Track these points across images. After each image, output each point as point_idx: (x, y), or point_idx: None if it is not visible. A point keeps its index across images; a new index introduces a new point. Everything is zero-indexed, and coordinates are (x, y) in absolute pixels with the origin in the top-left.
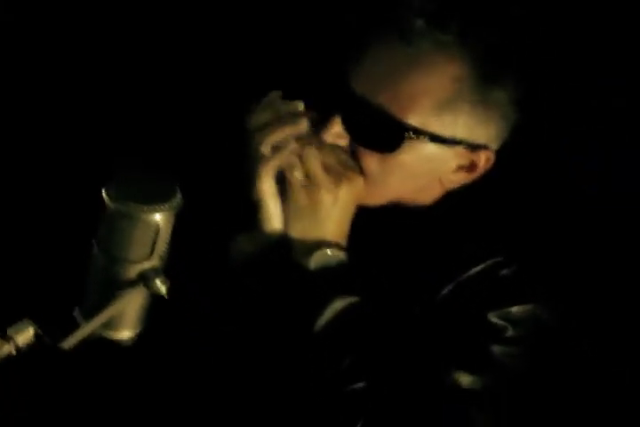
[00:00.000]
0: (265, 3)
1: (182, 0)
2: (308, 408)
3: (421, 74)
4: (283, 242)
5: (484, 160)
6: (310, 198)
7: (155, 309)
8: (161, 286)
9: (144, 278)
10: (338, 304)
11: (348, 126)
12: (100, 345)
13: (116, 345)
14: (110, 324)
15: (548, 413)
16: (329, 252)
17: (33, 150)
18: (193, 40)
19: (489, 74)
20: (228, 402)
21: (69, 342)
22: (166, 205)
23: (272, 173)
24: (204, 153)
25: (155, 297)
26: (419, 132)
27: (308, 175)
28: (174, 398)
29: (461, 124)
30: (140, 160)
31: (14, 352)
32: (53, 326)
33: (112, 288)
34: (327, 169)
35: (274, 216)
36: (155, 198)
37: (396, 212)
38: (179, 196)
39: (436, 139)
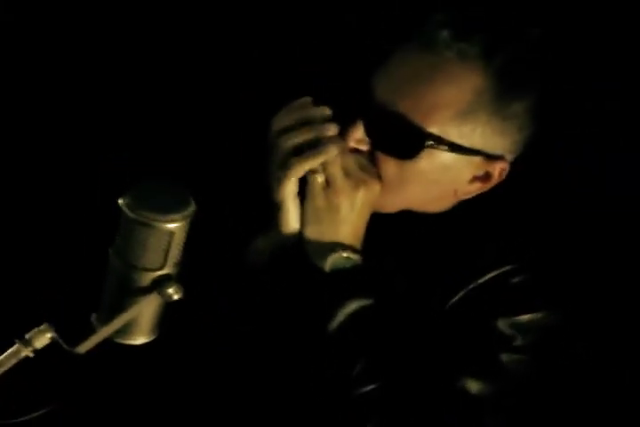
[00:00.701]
0: (291, 11)
1: (199, 8)
2: (319, 409)
3: (444, 84)
4: (300, 244)
5: (498, 171)
6: (329, 202)
7: (172, 310)
8: (174, 294)
9: (158, 286)
10: (351, 307)
11: (370, 132)
12: (116, 349)
13: (132, 348)
14: (125, 330)
15: (556, 420)
16: (344, 254)
17: (50, 159)
18: (214, 48)
19: (509, 87)
20: (242, 402)
21: (84, 347)
22: (180, 215)
23: (297, 177)
24: (222, 155)
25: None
26: (438, 141)
27: (327, 179)
28: (188, 398)
29: (479, 135)
30: (157, 168)
31: (32, 355)
32: (71, 331)
33: (127, 295)
34: (347, 174)
35: (293, 218)
36: (169, 208)
37: (410, 217)
38: (193, 205)
39: (454, 148)
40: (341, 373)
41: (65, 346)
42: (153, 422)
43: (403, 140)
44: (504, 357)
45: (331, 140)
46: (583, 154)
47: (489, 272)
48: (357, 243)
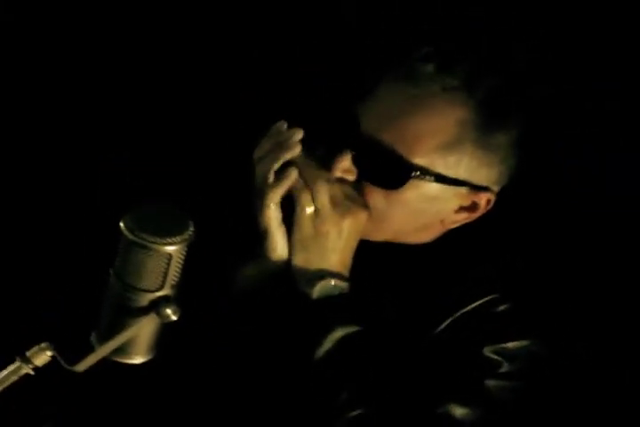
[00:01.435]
0: (291, 11)
1: (199, 8)
2: None
3: (428, 115)
4: (287, 271)
5: (485, 201)
6: (316, 230)
7: (168, 331)
8: (172, 315)
9: (156, 307)
10: (338, 334)
11: (357, 162)
12: (114, 367)
13: (129, 366)
14: (123, 349)
15: None
16: (332, 282)
17: (52, 166)
18: (214, 48)
19: (492, 118)
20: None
21: (83, 365)
22: (179, 238)
23: (276, 201)
24: (213, 185)
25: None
26: (424, 172)
27: (315, 207)
28: (181, 417)
29: (464, 166)
30: (156, 195)
31: (32, 372)
32: (71, 349)
33: (125, 315)
34: (334, 202)
35: (279, 245)
36: (168, 230)
37: (397, 246)
38: (192, 229)
39: (440, 179)
40: (327, 399)
41: (64, 364)
42: None
43: (389, 170)
44: (489, 383)
45: (292, 163)
46: (583, 154)
47: (474, 301)
48: (345, 271)
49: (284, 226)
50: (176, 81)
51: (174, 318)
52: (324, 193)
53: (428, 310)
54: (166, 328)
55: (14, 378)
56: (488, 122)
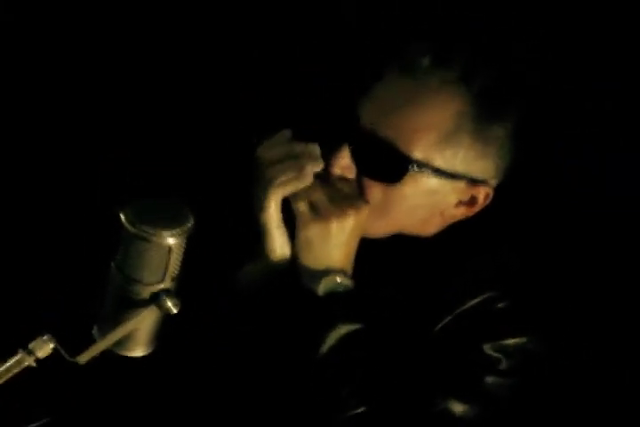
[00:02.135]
0: (291, 11)
1: (199, 8)
2: None
3: (425, 109)
4: (289, 269)
5: (483, 196)
6: (320, 228)
7: (169, 324)
8: (172, 307)
9: (156, 299)
10: (342, 331)
11: (355, 158)
12: (115, 359)
13: (127, 360)
14: (124, 342)
15: None
16: (337, 279)
17: (52, 165)
18: (214, 48)
19: (489, 111)
20: (234, 417)
21: (85, 357)
22: (179, 230)
23: (278, 201)
24: (212, 184)
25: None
26: (422, 165)
27: (314, 206)
28: (180, 411)
29: (462, 159)
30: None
31: (34, 364)
32: (73, 341)
33: (126, 308)
34: (333, 200)
35: (278, 245)
36: (168, 223)
37: (397, 243)
38: (191, 221)
39: (438, 172)
40: (330, 395)
41: (66, 356)
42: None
43: (387, 165)
44: (489, 379)
45: (308, 169)
46: (583, 154)
47: (474, 298)
48: (349, 267)
49: (283, 225)
50: (176, 80)
51: (175, 310)
52: (317, 190)
53: (428, 306)
54: (168, 325)
55: (17, 370)
56: (485, 114)
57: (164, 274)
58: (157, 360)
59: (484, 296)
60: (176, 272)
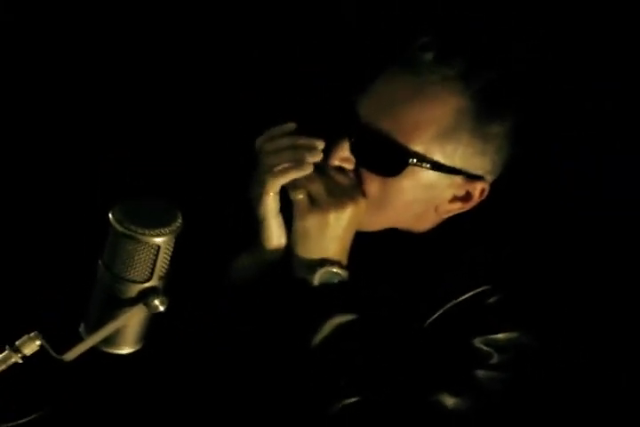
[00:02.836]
0: (291, 11)
1: (199, 8)
2: (303, 419)
3: (426, 104)
4: (284, 259)
5: (479, 191)
6: (317, 219)
7: (157, 322)
8: (160, 306)
9: (144, 297)
10: (336, 321)
11: (355, 151)
12: (103, 356)
13: (116, 357)
14: (111, 339)
15: None
16: (332, 269)
17: (47, 164)
18: (214, 48)
19: (488, 108)
20: (229, 410)
21: (71, 355)
22: (167, 229)
23: (276, 191)
24: (207, 177)
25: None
26: (421, 159)
27: (312, 197)
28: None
29: (460, 155)
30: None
31: (20, 361)
32: (60, 339)
33: (114, 306)
34: (331, 191)
35: (275, 235)
36: (156, 222)
37: (393, 237)
38: (179, 220)
39: (436, 167)
40: (324, 385)
41: (53, 353)
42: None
43: (387, 158)
44: (480, 373)
45: (308, 158)
46: (580, 156)
47: (466, 292)
48: (344, 259)
49: (280, 216)
50: (175, 80)
51: (162, 308)
52: (316, 181)
53: (422, 299)
54: (161, 318)
55: (3, 367)
56: (485, 111)
57: (152, 273)
58: (150, 352)
59: (477, 290)
60: (164, 271)
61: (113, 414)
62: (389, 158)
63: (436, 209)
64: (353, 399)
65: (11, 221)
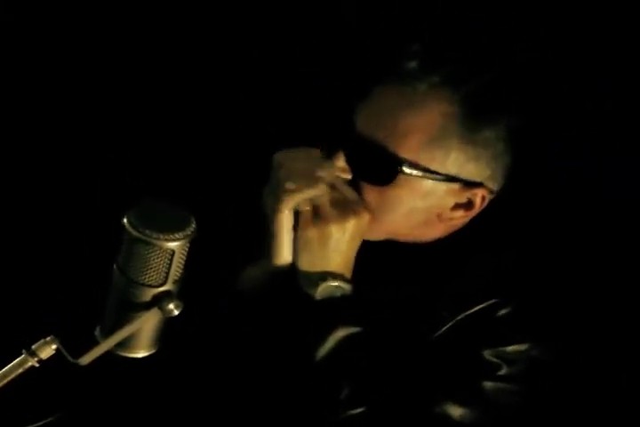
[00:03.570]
0: (291, 11)
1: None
2: None
3: (414, 111)
4: (291, 272)
5: (480, 198)
6: (320, 231)
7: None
8: (174, 310)
9: (159, 302)
10: (340, 334)
11: (350, 161)
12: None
13: (130, 360)
14: (126, 343)
15: None
16: (335, 283)
17: (56, 168)
18: (214, 48)
19: (478, 113)
20: (234, 419)
21: (87, 359)
22: (181, 234)
23: (291, 208)
24: (216, 185)
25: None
26: (412, 166)
27: (316, 209)
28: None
29: (452, 161)
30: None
31: (37, 365)
32: (76, 343)
33: (128, 310)
34: (335, 204)
35: (286, 249)
36: (171, 227)
37: (401, 248)
38: (194, 225)
39: (430, 174)
40: (328, 397)
41: (69, 357)
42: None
43: (379, 166)
44: (488, 385)
45: (325, 177)
46: (580, 156)
47: (476, 304)
48: (348, 272)
49: (292, 232)
50: (177, 81)
51: (176, 312)
52: (328, 194)
53: (428, 310)
54: (169, 327)
55: (20, 371)
56: (473, 116)
57: (167, 277)
58: (159, 362)
59: (487, 303)
60: (179, 275)
61: (118, 416)
62: (381, 167)
63: (439, 217)
64: (358, 410)
65: (28, 224)
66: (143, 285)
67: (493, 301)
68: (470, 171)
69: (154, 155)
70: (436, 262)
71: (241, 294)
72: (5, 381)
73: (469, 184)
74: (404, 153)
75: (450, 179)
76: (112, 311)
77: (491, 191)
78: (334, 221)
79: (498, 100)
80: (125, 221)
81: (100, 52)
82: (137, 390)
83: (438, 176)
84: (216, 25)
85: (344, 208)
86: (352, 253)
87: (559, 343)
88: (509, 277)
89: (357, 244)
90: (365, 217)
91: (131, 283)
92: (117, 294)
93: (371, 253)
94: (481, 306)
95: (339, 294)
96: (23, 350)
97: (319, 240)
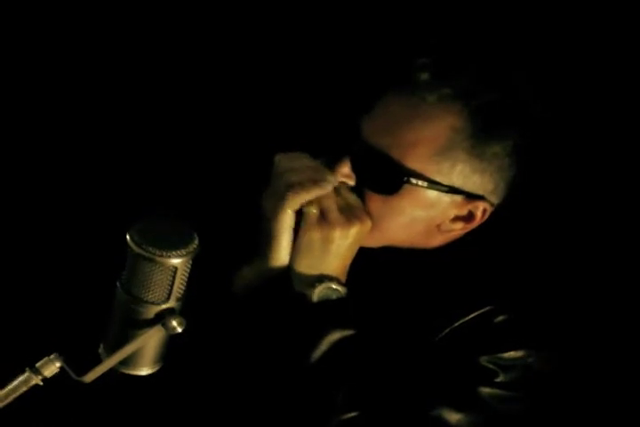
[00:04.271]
0: (291, 12)
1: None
2: None
3: (422, 123)
4: (287, 274)
5: (481, 211)
6: (323, 234)
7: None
8: (177, 327)
9: (162, 319)
10: (334, 337)
11: (355, 169)
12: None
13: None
14: (130, 361)
15: None
16: (332, 286)
17: (58, 188)
18: (214, 49)
19: (487, 127)
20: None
21: (91, 376)
22: (184, 251)
23: (295, 209)
24: (214, 187)
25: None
26: (418, 177)
27: (322, 212)
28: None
29: (458, 173)
30: (163, 204)
31: (41, 383)
32: (80, 361)
33: (132, 327)
34: (342, 209)
35: (284, 251)
36: (173, 244)
37: (398, 254)
38: (196, 242)
39: (434, 185)
40: (323, 400)
41: (73, 375)
42: None
43: (384, 176)
44: (484, 391)
45: (329, 178)
46: (579, 156)
47: (473, 311)
48: (343, 276)
49: (292, 233)
50: (179, 86)
51: (179, 329)
52: (330, 198)
53: (426, 317)
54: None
55: (24, 389)
56: (482, 130)
57: (170, 294)
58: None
59: (484, 309)
60: (181, 292)
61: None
62: (387, 177)
63: (439, 228)
64: (352, 414)
65: (31, 240)
66: (146, 302)
67: (490, 307)
68: (474, 184)
69: (154, 159)
70: (433, 268)
71: (235, 296)
72: (10, 399)
73: (472, 197)
74: (411, 163)
75: (454, 191)
76: (115, 329)
77: (492, 204)
78: (339, 226)
79: (508, 117)
80: (128, 237)
81: (102, 55)
82: (140, 406)
83: (443, 188)
84: (220, 32)
85: (349, 214)
86: (350, 259)
87: (555, 350)
88: (506, 284)
89: (356, 249)
90: (368, 224)
91: (134, 300)
92: (120, 311)
93: (368, 259)
94: (477, 313)
95: (334, 296)
96: (27, 368)
97: (321, 243)
